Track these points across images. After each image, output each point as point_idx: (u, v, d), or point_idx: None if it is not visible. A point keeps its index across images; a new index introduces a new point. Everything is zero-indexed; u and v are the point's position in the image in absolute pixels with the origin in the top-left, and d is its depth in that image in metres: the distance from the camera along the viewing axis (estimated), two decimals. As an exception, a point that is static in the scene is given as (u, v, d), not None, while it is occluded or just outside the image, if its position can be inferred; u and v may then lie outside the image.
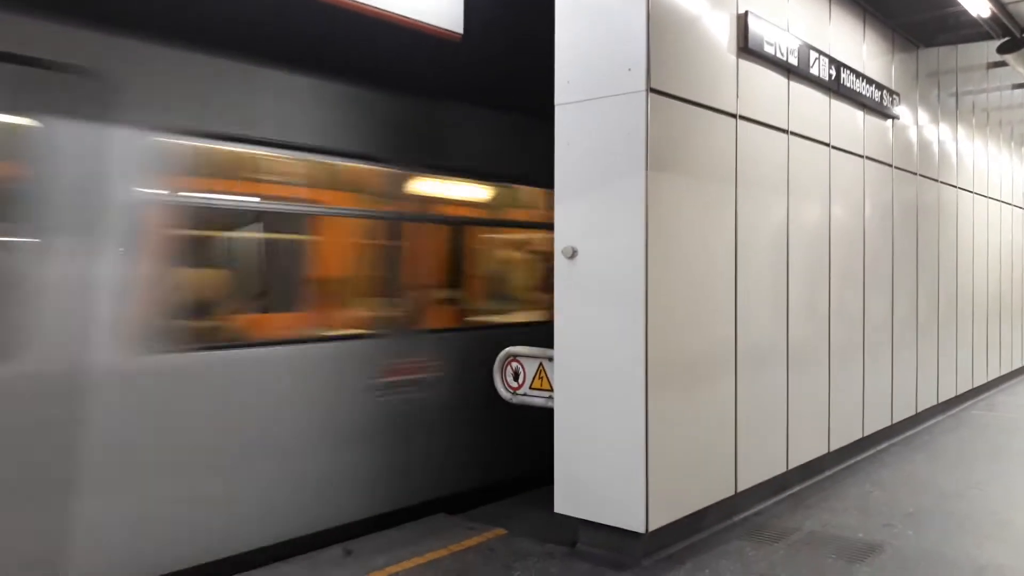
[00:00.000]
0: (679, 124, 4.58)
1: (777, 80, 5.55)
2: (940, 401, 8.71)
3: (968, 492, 5.87)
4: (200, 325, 4.53)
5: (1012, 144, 11.56)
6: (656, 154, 4.33)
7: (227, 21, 4.52)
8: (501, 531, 4.99)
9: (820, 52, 5.98)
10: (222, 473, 4.46)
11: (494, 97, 6.12)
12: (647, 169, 4.27)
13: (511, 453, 6.18)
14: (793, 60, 5.59)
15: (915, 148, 8.00)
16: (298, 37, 4.90)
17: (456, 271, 6.13)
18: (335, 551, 4.68)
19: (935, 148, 8.52)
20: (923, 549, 4.66)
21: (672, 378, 4.47)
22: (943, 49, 8.47)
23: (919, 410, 8.10)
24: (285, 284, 5.16)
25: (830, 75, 6.12)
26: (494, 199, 6.50)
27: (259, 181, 4.91)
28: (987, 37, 7.69)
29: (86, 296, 3.90)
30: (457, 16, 5.14)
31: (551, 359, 4.76)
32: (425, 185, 5.73)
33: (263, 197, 4.91)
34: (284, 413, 4.73)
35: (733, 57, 5.07)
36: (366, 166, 5.30)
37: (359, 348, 5.18)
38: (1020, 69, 8.30)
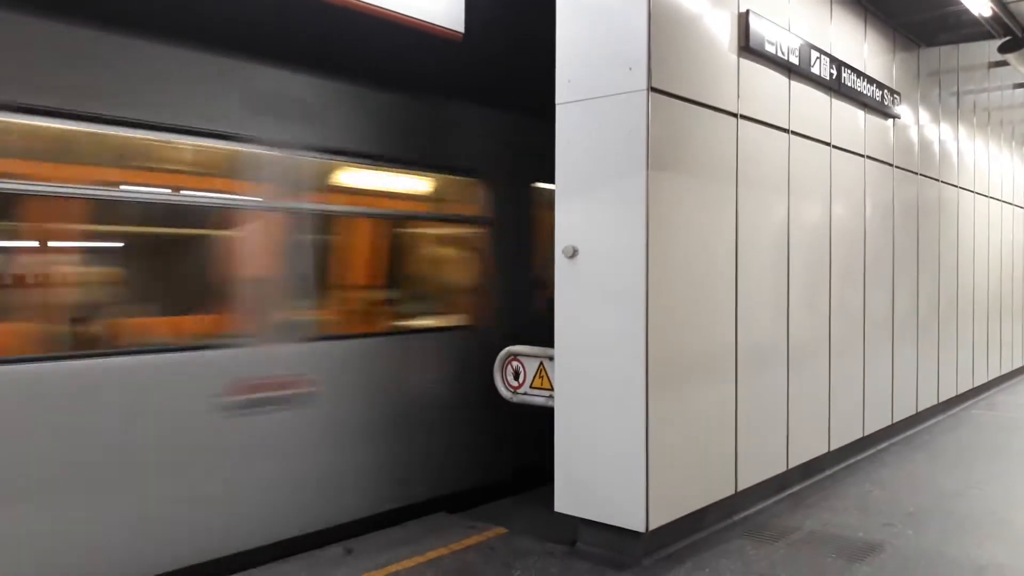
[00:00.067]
0: (680, 123, 4.58)
1: (778, 79, 5.55)
2: (940, 400, 8.72)
3: (968, 491, 5.88)
4: None
5: (1013, 144, 11.56)
6: (657, 153, 4.33)
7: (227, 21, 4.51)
8: (501, 530, 4.99)
9: (821, 51, 5.97)
10: None
11: (494, 97, 6.12)
12: (648, 168, 4.26)
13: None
14: (794, 59, 5.58)
15: (916, 147, 8.00)
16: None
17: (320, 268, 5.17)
18: (336, 550, 4.68)
19: (936, 148, 8.52)
20: (923, 548, 4.66)
21: (672, 377, 4.48)
22: (944, 48, 8.46)
23: (919, 409, 8.11)
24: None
25: (831, 74, 6.12)
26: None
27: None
28: (988, 36, 7.69)
29: None
30: (458, 15, 5.14)
31: (551, 358, 4.76)
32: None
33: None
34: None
35: (734, 56, 5.06)
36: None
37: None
38: (1021, 68, 8.30)
